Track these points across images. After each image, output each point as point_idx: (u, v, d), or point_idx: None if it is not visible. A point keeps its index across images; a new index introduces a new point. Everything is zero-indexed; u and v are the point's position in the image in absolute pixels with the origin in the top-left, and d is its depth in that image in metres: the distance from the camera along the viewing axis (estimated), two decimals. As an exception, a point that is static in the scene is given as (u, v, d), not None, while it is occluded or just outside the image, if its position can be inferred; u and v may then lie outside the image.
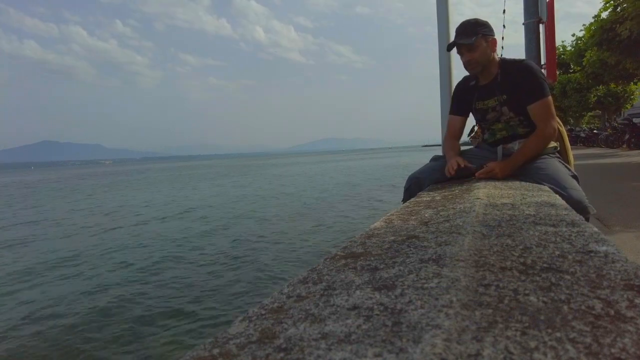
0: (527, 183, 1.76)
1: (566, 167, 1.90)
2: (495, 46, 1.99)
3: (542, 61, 4.51)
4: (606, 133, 18.38)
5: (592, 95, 25.09)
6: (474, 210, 1.16)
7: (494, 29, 2.02)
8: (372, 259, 0.78)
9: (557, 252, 0.74)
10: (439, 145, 2.76)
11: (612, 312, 0.49)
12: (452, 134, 2.21)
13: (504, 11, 5.26)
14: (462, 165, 1.94)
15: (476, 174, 1.95)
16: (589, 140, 20.39)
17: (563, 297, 0.54)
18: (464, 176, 2.01)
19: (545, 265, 0.67)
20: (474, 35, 1.93)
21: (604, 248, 0.75)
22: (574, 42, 20.71)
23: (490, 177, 1.90)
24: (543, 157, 1.93)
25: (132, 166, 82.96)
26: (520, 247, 0.79)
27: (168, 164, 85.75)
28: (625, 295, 0.53)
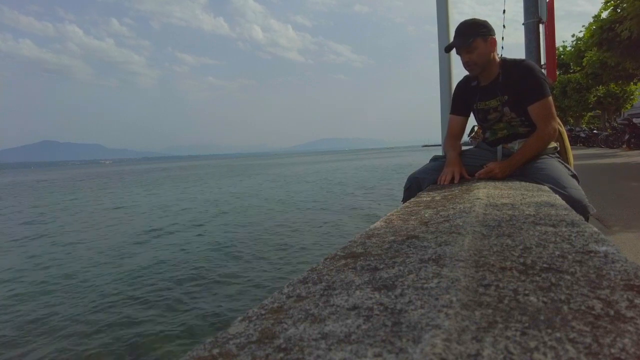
0: (527, 183, 1.76)
1: (566, 166, 1.90)
2: (495, 46, 1.99)
3: (542, 61, 4.52)
4: (606, 133, 18.37)
5: (592, 96, 25.10)
6: (474, 210, 1.16)
7: (494, 28, 2.02)
8: (372, 259, 0.78)
9: (557, 252, 0.74)
10: (439, 145, 2.76)
11: (612, 312, 0.49)
12: (452, 133, 2.21)
13: (504, 11, 5.26)
14: (456, 181, 1.92)
15: (476, 175, 1.94)
16: (589, 141, 20.38)
17: (563, 297, 0.54)
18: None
19: (545, 265, 0.67)
20: (471, 37, 1.93)
21: (604, 248, 0.75)
22: (574, 43, 20.73)
23: (490, 177, 1.90)
24: (543, 157, 1.93)
25: (136, 166, 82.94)
26: (520, 247, 0.79)
27: (173, 164, 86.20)
28: (625, 295, 0.53)
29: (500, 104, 2.01)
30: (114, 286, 5.21)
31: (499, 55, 2.04)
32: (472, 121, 2.33)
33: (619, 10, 11.57)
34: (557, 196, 1.49)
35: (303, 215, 9.75)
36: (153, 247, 7.27)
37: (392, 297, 0.57)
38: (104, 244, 7.71)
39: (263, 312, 0.57)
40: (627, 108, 25.97)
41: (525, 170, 1.89)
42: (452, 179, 1.93)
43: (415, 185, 2.08)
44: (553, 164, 1.86)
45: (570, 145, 2.14)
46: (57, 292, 5.10)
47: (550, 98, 1.92)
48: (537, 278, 0.61)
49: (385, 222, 1.15)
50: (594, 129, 24.05)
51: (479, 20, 1.99)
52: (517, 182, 1.78)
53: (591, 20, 13.81)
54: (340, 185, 16.66)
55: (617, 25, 10.92)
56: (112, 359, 3.43)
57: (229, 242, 7.30)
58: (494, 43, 1.98)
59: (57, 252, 7.28)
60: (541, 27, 4.45)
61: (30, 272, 6.09)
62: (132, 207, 13.09)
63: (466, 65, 2.00)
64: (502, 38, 5.42)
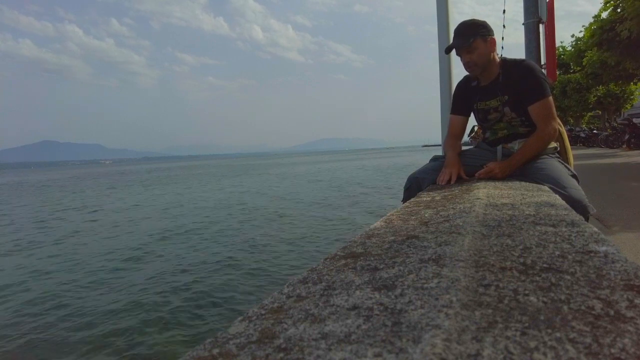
0: (527, 183, 1.76)
1: (566, 166, 1.90)
2: (495, 46, 1.99)
3: (542, 61, 4.52)
4: (606, 133, 18.37)
5: (592, 96, 25.11)
6: (474, 210, 1.16)
7: (494, 28, 2.02)
8: (372, 259, 0.78)
9: (557, 252, 0.74)
10: (439, 145, 2.76)
11: (612, 312, 0.49)
12: (453, 133, 2.21)
13: (504, 11, 5.26)
14: (452, 182, 1.93)
15: (476, 175, 1.94)
16: (589, 141, 20.38)
17: (563, 297, 0.54)
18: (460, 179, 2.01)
19: (545, 265, 0.67)
20: (471, 37, 1.94)
21: (604, 248, 0.75)
22: (574, 43, 20.74)
23: (490, 177, 1.90)
24: (543, 157, 1.93)
25: (136, 166, 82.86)
26: (520, 247, 0.79)
27: (174, 164, 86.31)
28: (625, 295, 0.53)
29: (501, 104, 2.01)
30: (144, 280, 5.35)
31: (499, 56, 2.05)
32: (472, 121, 2.33)
33: (619, 10, 11.57)
34: (557, 196, 1.49)
35: (323, 214, 9.89)
36: (174, 245, 7.34)
37: (392, 297, 0.57)
38: (127, 242, 7.82)
39: (263, 312, 0.57)
40: (627, 108, 25.97)
41: (525, 170, 1.89)
42: (450, 180, 1.93)
43: (415, 185, 2.08)
44: (553, 164, 1.86)
45: (570, 145, 2.15)
46: (79, 289, 5.22)
47: (551, 98, 1.92)
48: (537, 278, 0.61)
49: (385, 222, 1.15)
50: (594, 129, 24.06)
51: (478, 20, 1.99)
52: (517, 182, 1.78)
53: (591, 20, 13.83)
54: (350, 185, 16.86)
55: (617, 25, 10.93)
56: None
57: (258, 241, 7.33)
58: (493, 43, 1.98)
59: (77, 251, 7.37)
60: (541, 27, 4.45)
61: (60, 270, 6.26)
62: (144, 207, 13.25)
63: (466, 65, 2.00)
64: (502, 38, 5.41)
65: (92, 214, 11.92)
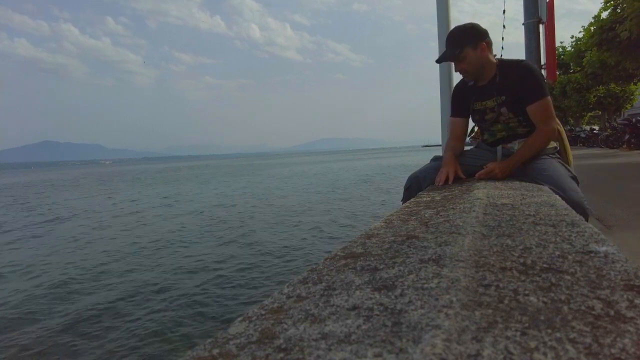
0: (527, 183, 1.76)
1: (566, 167, 1.90)
2: (486, 50, 1.97)
3: (542, 61, 4.52)
4: (606, 133, 18.36)
5: (592, 96, 25.10)
6: (474, 210, 1.16)
7: (494, 28, 2.02)
8: (372, 259, 0.78)
9: (557, 252, 0.74)
10: (439, 145, 2.76)
11: (612, 312, 0.49)
12: (454, 136, 2.20)
13: (504, 11, 5.26)
14: (450, 182, 1.93)
15: (476, 175, 1.94)
16: (589, 141, 20.37)
17: (563, 297, 0.54)
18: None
19: (545, 265, 0.67)
20: (458, 48, 1.97)
21: (604, 248, 0.75)
22: (574, 43, 20.75)
23: (490, 177, 1.90)
24: (543, 157, 1.93)
25: (137, 166, 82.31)
26: (520, 247, 0.79)
27: (175, 164, 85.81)
28: (625, 296, 0.53)
29: (497, 104, 2.01)
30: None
31: (497, 56, 2.05)
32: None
33: (619, 11, 11.58)
34: (557, 196, 1.49)
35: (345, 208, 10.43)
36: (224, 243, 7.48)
37: (392, 297, 0.57)
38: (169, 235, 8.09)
39: (263, 312, 0.57)
40: (627, 108, 25.97)
41: (525, 171, 1.89)
42: (447, 179, 1.93)
43: (415, 185, 2.09)
44: (553, 165, 1.86)
45: (570, 145, 2.15)
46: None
47: (549, 98, 1.92)
48: (537, 278, 0.61)
49: (385, 222, 1.15)
50: (594, 129, 24.06)
51: (467, 26, 1.99)
52: (517, 182, 1.78)
53: (591, 20, 13.84)
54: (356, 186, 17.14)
55: (617, 25, 10.94)
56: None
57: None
58: (485, 48, 1.97)
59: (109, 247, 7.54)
60: (541, 27, 4.45)
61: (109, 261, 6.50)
62: (202, 198, 14.12)
63: (459, 73, 2.07)
64: (502, 38, 5.40)
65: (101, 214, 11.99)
